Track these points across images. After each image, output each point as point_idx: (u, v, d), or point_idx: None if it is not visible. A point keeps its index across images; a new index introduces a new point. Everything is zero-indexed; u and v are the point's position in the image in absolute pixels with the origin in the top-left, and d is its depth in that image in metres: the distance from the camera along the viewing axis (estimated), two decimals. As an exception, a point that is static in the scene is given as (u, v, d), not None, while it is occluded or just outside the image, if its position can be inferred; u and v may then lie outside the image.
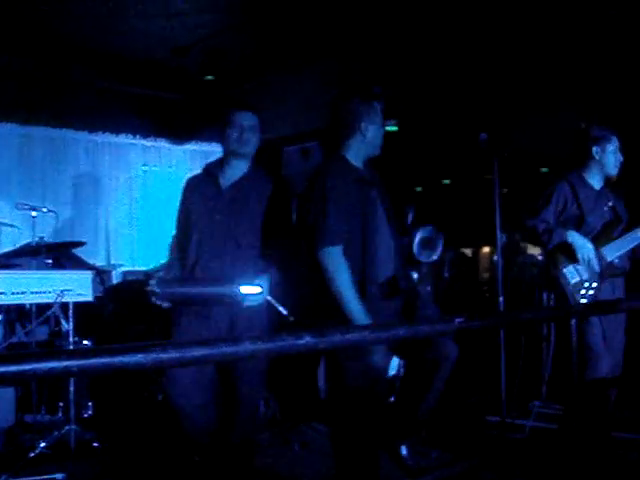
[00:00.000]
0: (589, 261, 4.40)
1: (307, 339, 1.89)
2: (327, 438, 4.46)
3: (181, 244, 3.72)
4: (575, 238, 4.44)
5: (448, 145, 10.38)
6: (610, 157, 4.64)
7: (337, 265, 3.30)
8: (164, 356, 1.66)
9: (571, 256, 4.45)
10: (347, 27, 6.51)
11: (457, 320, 2.25)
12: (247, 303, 3.42)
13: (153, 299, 3.43)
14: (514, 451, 3.58)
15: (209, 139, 8.96)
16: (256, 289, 3.41)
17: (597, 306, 3.52)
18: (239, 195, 3.63)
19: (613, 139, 4.64)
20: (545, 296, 5.79)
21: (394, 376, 4.92)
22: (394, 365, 4.93)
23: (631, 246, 4.53)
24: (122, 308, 5.85)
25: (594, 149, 4.62)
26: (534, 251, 16.86)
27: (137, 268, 8.33)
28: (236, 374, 3.57)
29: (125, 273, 8.05)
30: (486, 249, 22.52)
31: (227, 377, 3.59)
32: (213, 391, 3.59)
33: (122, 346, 1.67)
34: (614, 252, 4.49)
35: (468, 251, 20.65)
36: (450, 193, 16.35)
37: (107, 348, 1.62)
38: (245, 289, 3.37)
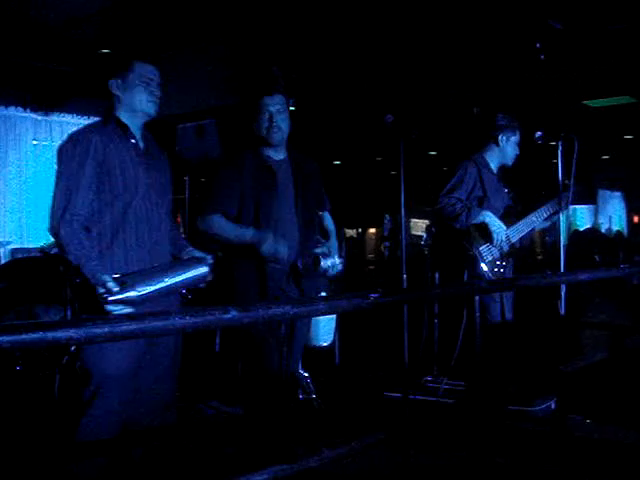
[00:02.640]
0: (501, 242, 4.61)
1: (233, 313, 1.91)
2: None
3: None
4: (492, 219, 4.62)
5: (341, 126, 10.52)
6: (512, 147, 4.84)
7: (212, 223, 3.57)
8: (96, 330, 1.66)
9: (484, 235, 4.63)
10: (246, 4, 6.48)
11: (372, 295, 2.31)
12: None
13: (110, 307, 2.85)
14: (415, 425, 3.69)
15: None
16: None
17: (498, 283, 3.66)
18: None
19: (518, 132, 4.85)
20: (436, 275, 5.98)
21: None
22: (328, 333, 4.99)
23: (528, 229, 4.77)
24: (16, 286, 5.67)
25: (500, 136, 4.82)
26: (416, 232, 17.32)
27: (26, 245, 8.09)
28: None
29: (13, 250, 7.81)
30: (372, 230, 22.94)
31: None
32: None
33: (54, 322, 1.65)
34: (517, 234, 4.75)
35: (353, 232, 21.02)
36: (339, 174, 16.56)
37: (40, 323, 1.61)
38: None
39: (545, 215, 4.81)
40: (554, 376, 4.04)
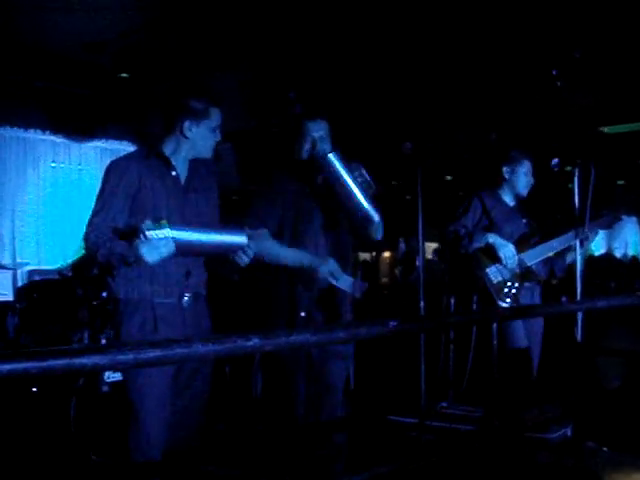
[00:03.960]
0: (510, 260, 4.60)
1: (255, 341, 1.93)
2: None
3: None
4: (496, 239, 4.64)
5: (357, 149, 10.55)
6: (521, 178, 4.87)
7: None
8: (121, 357, 1.68)
9: (492, 258, 4.63)
10: (263, 31, 6.54)
11: (391, 323, 2.32)
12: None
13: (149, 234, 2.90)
14: (430, 452, 3.68)
15: (119, 137, 8.87)
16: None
17: (518, 310, 3.67)
18: None
19: (524, 162, 4.88)
20: (452, 300, 5.97)
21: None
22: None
23: (548, 253, 4.76)
24: (35, 308, 5.70)
25: (504, 169, 4.87)
26: (428, 255, 17.28)
27: (43, 267, 8.13)
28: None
29: (31, 272, 7.84)
30: (386, 254, 22.91)
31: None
32: None
33: (80, 348, 1.68)
34: (532, 258, 4.73)
35: (367, 256, 20.99)
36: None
37: (66, 350, 1.63)
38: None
39: (568, 243, 4.78)
40: (570, 403, 4.03)
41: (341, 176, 3.56)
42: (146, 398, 3.11)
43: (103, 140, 8.92)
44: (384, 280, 21.10)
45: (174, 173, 3.29)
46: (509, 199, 4.95)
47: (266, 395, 3.63)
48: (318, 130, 3.65)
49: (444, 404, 5.76)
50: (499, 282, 4.61)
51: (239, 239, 3.19)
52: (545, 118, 8.08)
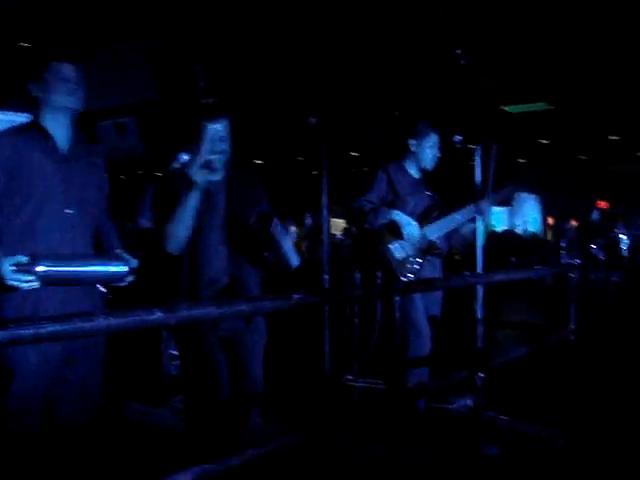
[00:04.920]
0: (413, 237, 4.68)
1: (158, 314, 1.92)
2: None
3: None
4: (400, 216, 4.71)
5: (263, 125, 10.52)
6: (427, 151, 4.94)
7: None
8: (21, 332, 1.65)
9: (396, 234, 4.70)
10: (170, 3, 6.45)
11: (295, 296, 2.34)
12: None
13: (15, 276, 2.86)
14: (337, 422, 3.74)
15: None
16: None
17: (420, 283, 3.74)
18: None
19: (431, 135, 4.93)
20: (356, 275, 6.03)
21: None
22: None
23: (450, 227, 4.86)
24: None
25: (411, 142, 4.92)
26: (335, 232, 17.43)
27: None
28: None
29: None
30: (292, 229, 22.92)
31: None
32: None
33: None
34: (435, 232, 4.82)
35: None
36: (261, 173, 16.56)
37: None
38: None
39: (470, 215, 4.87)
40: (471, 374, 4.14)
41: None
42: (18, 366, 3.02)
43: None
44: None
45: (52, 145, 3.18)
46: (414, 172, 5.01)
47: (184, 372, 3.60)
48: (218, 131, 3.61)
49: (349, 377, 5.82)
50: (402, 258, 4.69)
51: (119, 269, 3.11)
52: (449, 96, 8.21)
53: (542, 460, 4.14)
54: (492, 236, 15.13)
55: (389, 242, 4.72)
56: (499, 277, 3.88)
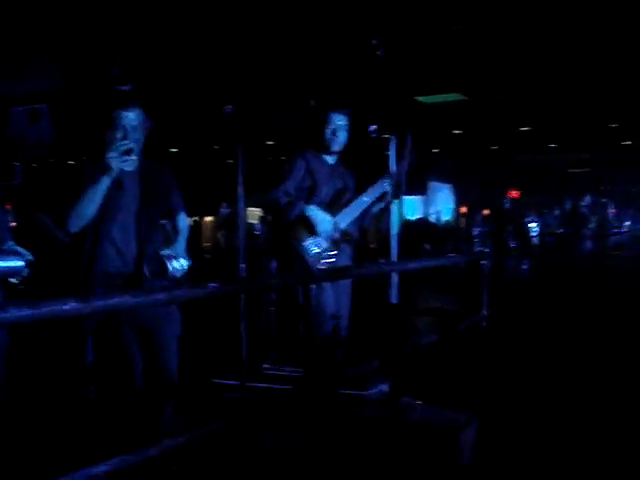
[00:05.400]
0: (326, 232, 4.70)
1: (72, 304, 1.89)
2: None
3: None
4: (314, 212, 4.71)
5: (178, 114, 10.42)
6: (341, 139, 4.94)
7: None
8: None
9: (310, 230, 4.72)
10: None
11: (211, 285, 2.34)
12: None
13: None
14: (252, 413, 3.75)
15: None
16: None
17: (335, 271, 3.78)
18: None
19: (334, 118, 4.92)
20: (273, 264, 6.04)
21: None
22: None
23: (359, 211, 4.89)
24: None
25: (325, 129, 4.92)
26: (253, 220, 17.43)
27: None
28: None
29: None
30: (208, 219, 22.82)
31: None
32: None
33: None
34: (346, 219, 4.85)
35: (190, 221, 20.90)
36: (176, 162, 16.40)
37: None
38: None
39: (377, 194, 4.91)
40: (387, 361, 4.21)
41: None
42: None
43: None
44: (207, 245, 21.08)
45: None
46: (330, 159, 5.01)
47: (99, 362, 3.57)
48: (131, 120, 3.64)
49: (266, 365, 5.84)
50: (316, 254, 4.70)
51: (15, 264, 3.10)
52: (365, 86, 8.27)
53: (457, 442, 4.25)
54: (406, 225, 15.34)
55: (303, 239, 4.71)
56: (413, 265, 3.95)
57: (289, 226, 4.72)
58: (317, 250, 4.70)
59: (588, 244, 15.39)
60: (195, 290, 2.38)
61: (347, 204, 4.90)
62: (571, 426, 4.71)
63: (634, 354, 6.34)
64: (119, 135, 3.58)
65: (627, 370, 5.90)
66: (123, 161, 3.49)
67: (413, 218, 19.55)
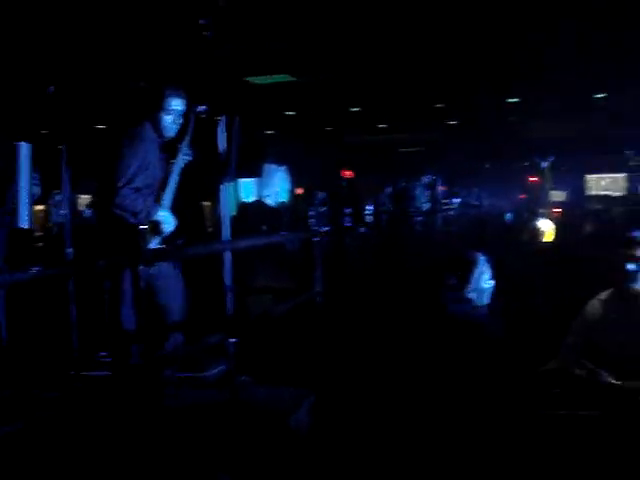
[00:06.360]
0: (169, 230, 4.61)
1: None
2: None
3: None
4: (165, 216, 4.61)
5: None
6: (169, 119, 4.83)
7: None
8: None
9: (156, 231, 4.58)
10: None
11: (34, 269, 2.29)
12: None
13: None
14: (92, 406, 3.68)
15: None
16: None
17: (167, 251, 3.76)
18: None
19: (173, 102, 4.80)
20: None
21: None
22: None
23: (171, 193, 4.84)
24: None
25: (159, 111, 4.79)
26: (81, 207, 16.91)
27: None
28: None
29: None
30: (39, 207, 21.99)
31: None
32: None
33: None
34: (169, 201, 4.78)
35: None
36: None
37: None
38: None
39: (178, 170, 4.87)
40: (222, 340, 4.24)
41: None
42: None
43: None
44: (38, 234, 20.28)
45: None
46: (159, 139, 4.86)
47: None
48: None
49: (104, 353, 5.72)
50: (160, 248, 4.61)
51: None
52: (194, 67, 8.20)
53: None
54: (242, 207, 15.29)
55: (149, 240, 4.56)
56: (244, 243, 3.99)
57: (138, 231, 4.47)
58: (159, 244, 4.60)
59: (418, 221, 15.93)
60: (17, 275, 2.33)
61: (164, 189, 4.79)
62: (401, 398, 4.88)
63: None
64: None
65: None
66: None
67: (249, 200, 19.54)
